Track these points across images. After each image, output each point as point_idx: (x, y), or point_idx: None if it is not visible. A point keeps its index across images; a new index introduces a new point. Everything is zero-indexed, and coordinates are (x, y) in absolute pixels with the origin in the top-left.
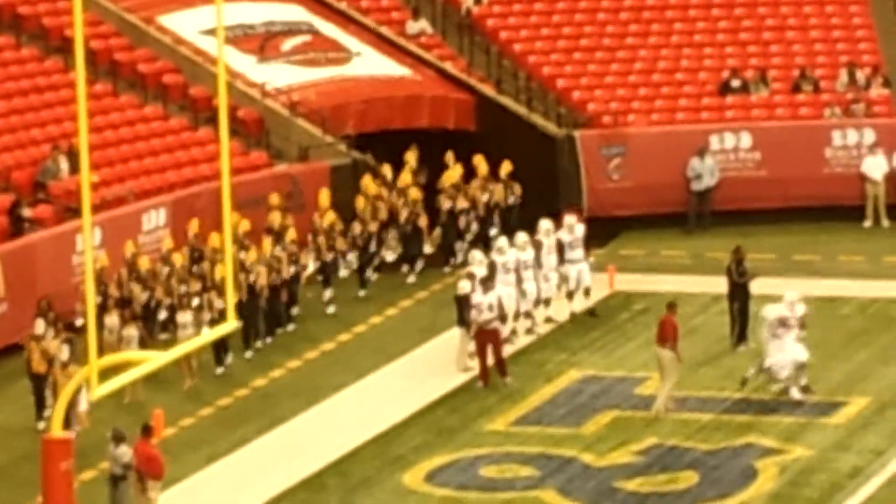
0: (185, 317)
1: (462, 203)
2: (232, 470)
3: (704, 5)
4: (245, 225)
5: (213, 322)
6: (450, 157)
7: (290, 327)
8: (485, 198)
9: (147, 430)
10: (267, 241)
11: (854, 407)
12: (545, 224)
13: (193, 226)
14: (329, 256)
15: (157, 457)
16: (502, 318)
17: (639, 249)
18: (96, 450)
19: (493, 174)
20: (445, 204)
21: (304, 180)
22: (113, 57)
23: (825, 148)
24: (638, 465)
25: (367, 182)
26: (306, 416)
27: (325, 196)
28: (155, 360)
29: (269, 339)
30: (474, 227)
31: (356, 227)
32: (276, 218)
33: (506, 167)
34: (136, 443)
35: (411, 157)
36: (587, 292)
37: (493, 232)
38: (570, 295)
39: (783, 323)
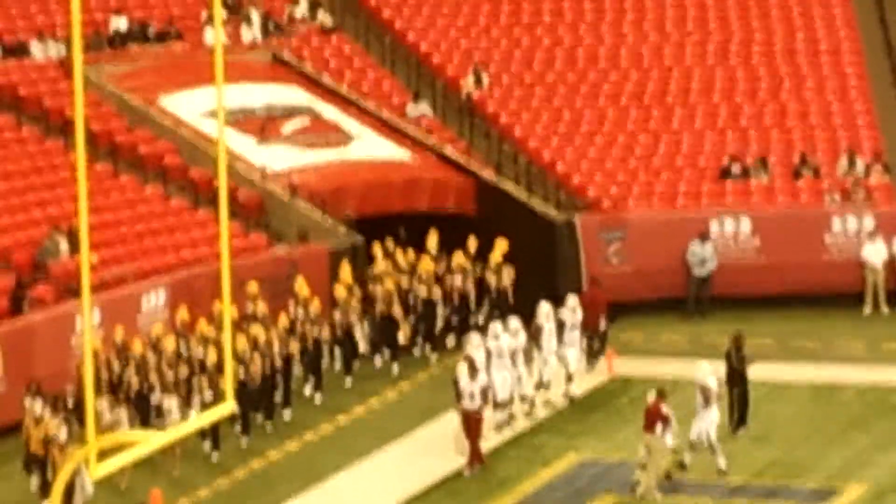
0: (170, 402)
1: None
2: None
3: (704, 90)
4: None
5: (203, 407)
6: (432, 242)
7: (287, 413)
8: (457, 282)
9: None
10: (257, 327)
11: (851, 494)
12: (545, 307)
13: (182, 312)
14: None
15: None
16: (494, 403)
17: (638, 333)
18: None
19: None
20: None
21: (304, 263)
22: (113, 138)
23: (825, 234)
24: None
25: (346, 271)
26: (303, 499)
27: (301, 284)
28: (154, 439)
29: (267, 424)
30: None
31: (336, 316)
32: (260, 304)
33: (499, 251)
34: None
35: (432, 242)
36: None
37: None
38: (569, 378)
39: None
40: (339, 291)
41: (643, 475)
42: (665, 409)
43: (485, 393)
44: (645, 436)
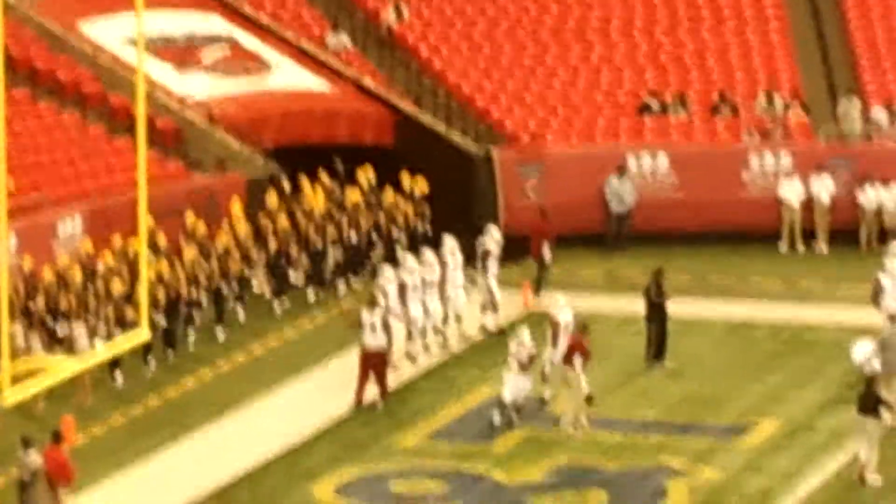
0: (79, 330)
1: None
2: (141, 479)
3: (624, 27)
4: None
5: (110, 337)
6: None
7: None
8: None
9: (57, 437)
10: (188, 250)
11: (765, 429)
12: (450, 242)
13: (86, 245)
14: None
15: (67, 463)
16: (409, 334)
17: (555, 268)
18: (6, 456)
19: (401, 191)
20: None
21: (221, 192)
22: (32, 64)
23: (742, 171)
24: (548, 484)
25: (273, 199)
26: (216, 427)
27: (237, 207)
28: (68, 366)
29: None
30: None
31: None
32: (199, 227)
33: (420, 187)
34: (46, 449)
35: (364, 175)
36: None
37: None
38: (484, 308)
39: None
40: (263, 220)
41: (567, 408)
42: (586, 343)
43: (387, 326)
44: (563, 368)
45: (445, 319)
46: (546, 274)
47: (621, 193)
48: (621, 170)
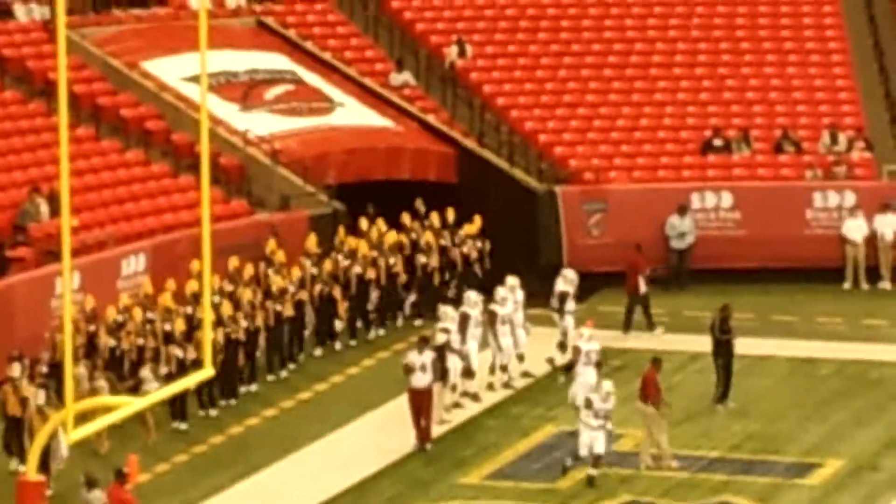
0: (144, 371)
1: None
2: None
3: (688, 64)
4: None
5: (171, 376)
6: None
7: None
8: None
9: (121, 476)
10: (248, 290)
11: (829, 468)
12: (511, 280)
13: (146, 285)
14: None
15: (131, 502)
16: (467, 372)
17: (617, 306)
18: (70, 495)
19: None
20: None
21: (284, 229)
22: (96, 101)
23: (806, 209)
24: None
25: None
26: (281, 465)
27: (312, 241)
28: (131, 404)
29: (252, 387)
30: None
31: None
32: (249, 270)
33: (476, 223)
34: (110, 488)
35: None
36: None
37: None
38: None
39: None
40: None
41: (644, 448)
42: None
43: (436, 367)
44: (640, 406)
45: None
46: (642, 306)
47: (681, 230)
48: (682, 208)
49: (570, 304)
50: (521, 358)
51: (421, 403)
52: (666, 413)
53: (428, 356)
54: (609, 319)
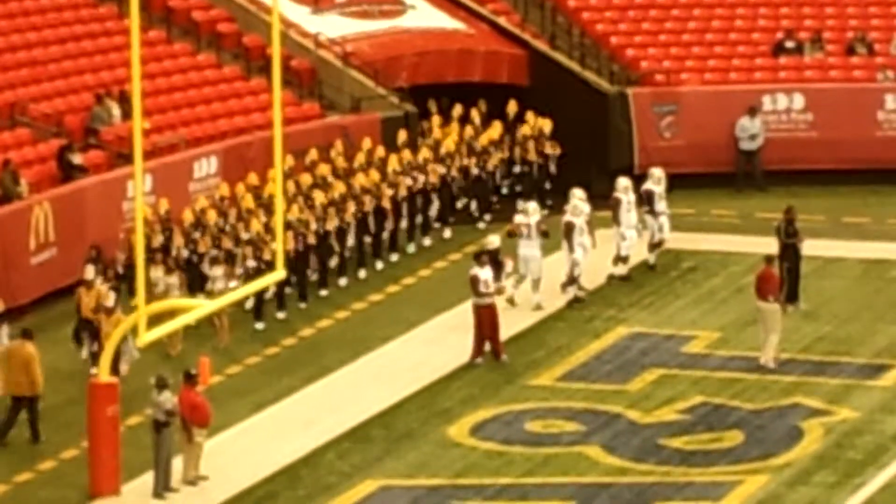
0: (216, 271)
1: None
2: (277, 419)
3: None
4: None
5: (248, 277)
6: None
7: (343, 281)
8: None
9: (190, 378)
10: (319, 194)
11: None
12: (624, 181)
13: (223, 188)
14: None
15: (202, 404)
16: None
17: (688, 208)
18: (142, 396)
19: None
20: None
21: (356, 131)
22: (167, 3)
23: (878, 111)
24: (683, 424)
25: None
26: (353, 367)
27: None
28: (202, 307)
29: (322, 291)
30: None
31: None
32: (324, 169)
33: (546, 126)
34: (180, 390)
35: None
36: (626, 260)
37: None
38: (652, 247)
39: None
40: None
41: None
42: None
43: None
44: (758, 304)
45: (617, 260)
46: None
47: (752, 132)
48: (753, 110)
49: (661, 205)
50: (625, 260)
51: (486, 319)
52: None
53: (488, 272)
54: (680, 221)
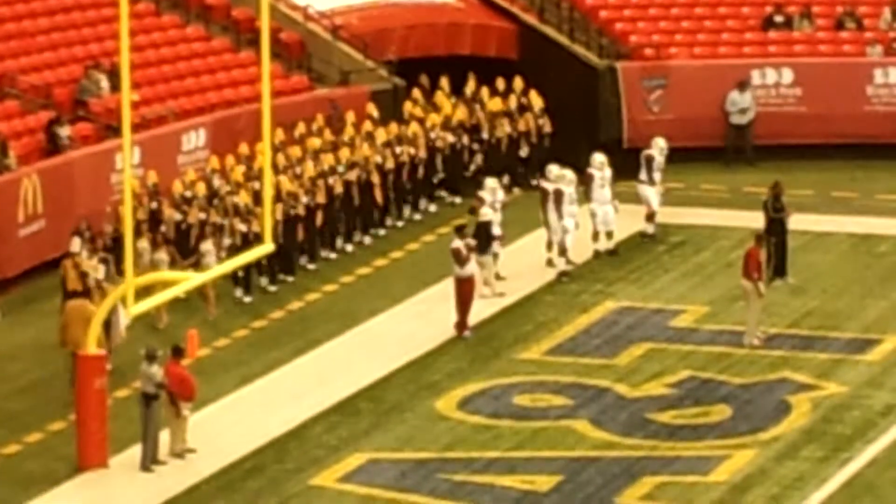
0: (206, 245)
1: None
2: (265, 392)
3: None
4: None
5: (235, 249)
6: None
7: (332, 255)
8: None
9: (178, 352)
10: (308, 165)
11: (889, 344)
12: (599, 157)
13: (213, 161)
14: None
15: (189, 378)
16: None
17: (677, 182)
18: (130, 368)
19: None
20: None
21: (344, 105)
22: None
23: (867, 85)
24: (671, 398)
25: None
26: (340, 341)
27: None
28: (190, 279)
29: (311, 265)
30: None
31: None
32: (315, 143)
33: (538, 102)
34: (167, 364)
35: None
36: (610, 235)
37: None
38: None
39: None
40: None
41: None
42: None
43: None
44: (742, 281)
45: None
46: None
47: (742, 106)
48: (742, 84)
49: (657, 175)
50: (609, 235)
51: (465, 291)
52: (760, 291)
53: (465, 243)
54: (669, 196)
